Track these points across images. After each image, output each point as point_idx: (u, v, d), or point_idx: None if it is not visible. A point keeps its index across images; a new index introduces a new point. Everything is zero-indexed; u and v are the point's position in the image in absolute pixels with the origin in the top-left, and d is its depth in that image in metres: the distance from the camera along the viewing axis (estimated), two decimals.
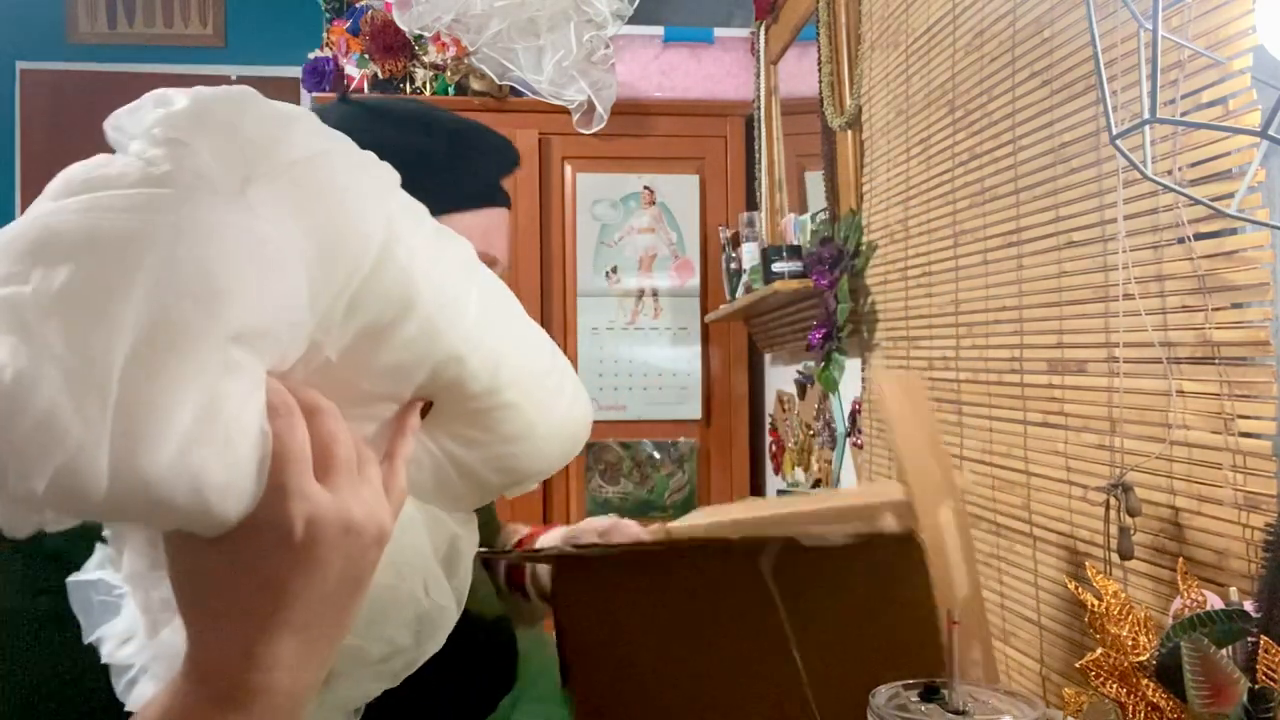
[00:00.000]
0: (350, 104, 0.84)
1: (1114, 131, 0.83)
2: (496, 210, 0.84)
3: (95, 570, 0.56)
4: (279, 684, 0.49)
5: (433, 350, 0.54)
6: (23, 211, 0.47)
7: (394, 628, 0.58)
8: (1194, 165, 0.98)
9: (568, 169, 2.98)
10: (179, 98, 0.51)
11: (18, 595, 0.62)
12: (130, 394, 0.43)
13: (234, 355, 0.46)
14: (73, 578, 0.56)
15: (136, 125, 0.50)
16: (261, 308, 0.47)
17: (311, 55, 2.95)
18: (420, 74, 2.93)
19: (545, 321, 2.94)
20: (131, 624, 0.54)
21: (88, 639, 0.55)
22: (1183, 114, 0.97)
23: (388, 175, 0.57)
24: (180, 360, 0.44)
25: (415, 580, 0.59)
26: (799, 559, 0.79)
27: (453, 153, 0.81)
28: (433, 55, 2.91)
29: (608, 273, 3.00)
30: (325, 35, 3.00)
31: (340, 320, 0.51)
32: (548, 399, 0.62)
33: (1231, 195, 0.89)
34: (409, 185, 0.63)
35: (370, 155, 0.56)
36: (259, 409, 0.48)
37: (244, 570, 0.48)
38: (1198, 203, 0.89)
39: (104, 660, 0.54)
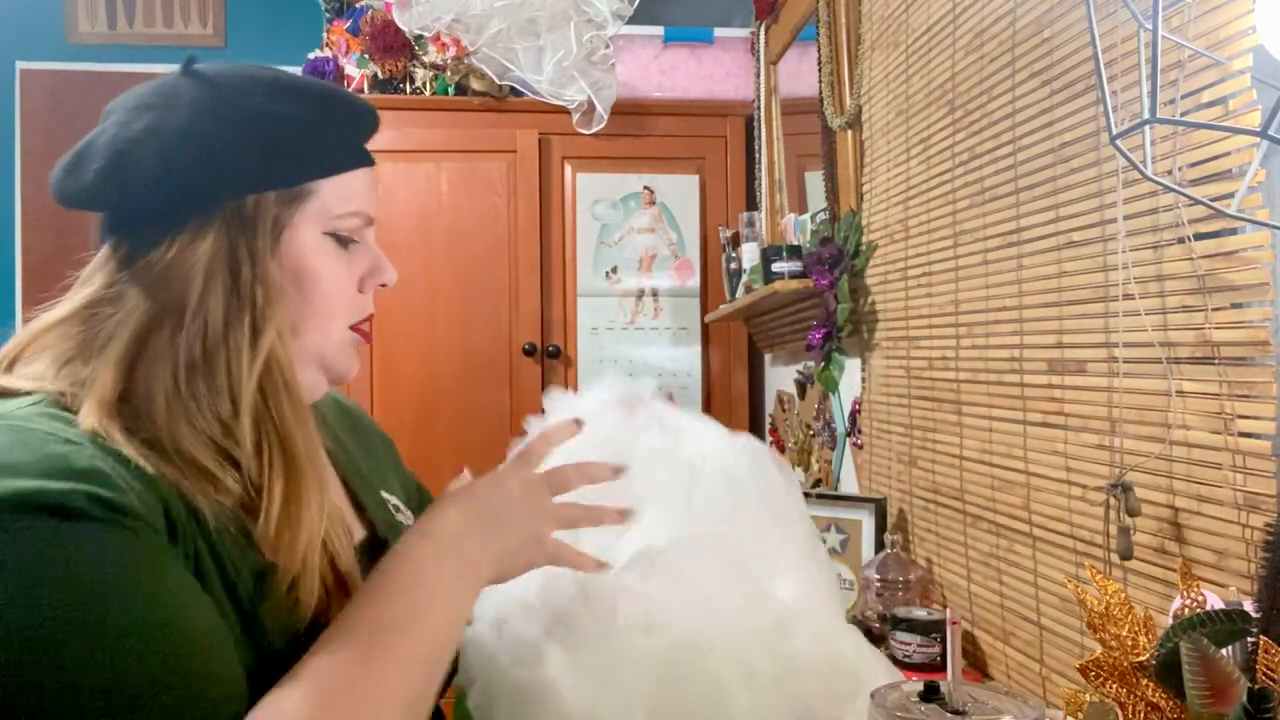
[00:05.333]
0: (195, 76, 0.80)
1: (1114, 131, 0.83)
2: (368, 170, 0.88)
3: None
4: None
5: None
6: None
7: None
8: (1194, 165, 0.98)
9: (568, 169, 2.98)
10: None
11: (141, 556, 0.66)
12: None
13: None
14: None
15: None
16: None
17: (311, 55, 2.95)
18: (420, 74, 2.92)
19: (545, 321, 2.94)
20: None
21: None
22: (1183, 114, 0.97)
23: None
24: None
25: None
26: None
27: (326, 118, 0.83)
28: (433, 55, 2.91)
29: (608, 273, 3.00)
30: (325, 35, 3.00)
31: None
32: None
33: (1231, 195, 0.89)
34: (284, 152, 0.78)
35: None
36: None
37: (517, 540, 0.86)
38: (1198, 203, 0.89)
39: None
